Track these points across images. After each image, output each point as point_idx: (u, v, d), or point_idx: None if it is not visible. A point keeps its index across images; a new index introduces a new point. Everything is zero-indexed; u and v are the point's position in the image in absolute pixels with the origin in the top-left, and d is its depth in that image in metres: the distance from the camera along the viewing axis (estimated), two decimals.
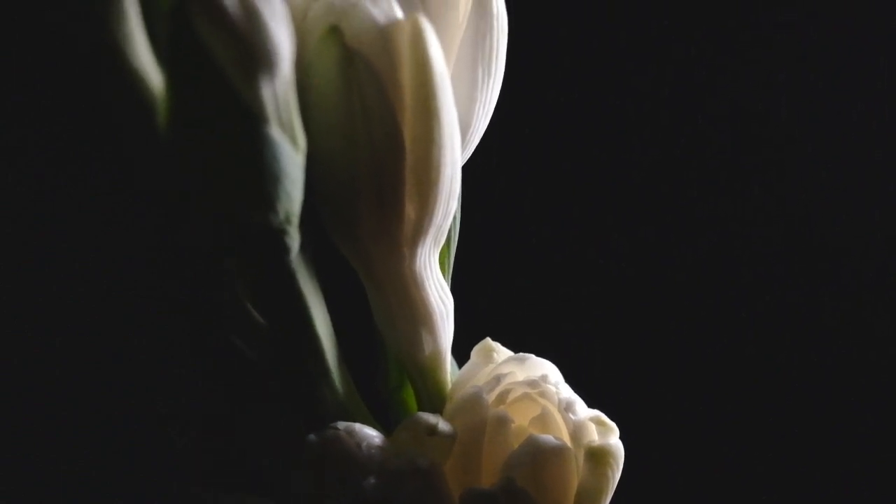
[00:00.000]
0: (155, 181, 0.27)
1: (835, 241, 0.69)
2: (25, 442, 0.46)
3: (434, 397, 0.36)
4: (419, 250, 0.33)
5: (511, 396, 0.35)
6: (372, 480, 0.31)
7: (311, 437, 0.32)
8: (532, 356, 0.37)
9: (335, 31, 0.29)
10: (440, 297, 0.35)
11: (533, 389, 0.35)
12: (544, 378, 0.36)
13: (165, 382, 0.36)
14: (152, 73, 0.26)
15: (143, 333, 0.35)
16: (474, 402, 0.34)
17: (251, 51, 0.25)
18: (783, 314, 0.70)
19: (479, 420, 0.34)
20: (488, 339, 0.38)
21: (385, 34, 0.30)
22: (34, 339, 0.42)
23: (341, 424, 0.32)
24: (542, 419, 0.35)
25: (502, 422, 0.34)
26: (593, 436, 0.34)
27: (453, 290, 0.37)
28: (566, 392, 0.36)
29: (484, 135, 0.36)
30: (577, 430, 0.34)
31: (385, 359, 0.38)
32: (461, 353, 0.38)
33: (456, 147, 0.32)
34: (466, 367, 0.37)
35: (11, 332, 0.42)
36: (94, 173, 0.27)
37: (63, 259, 0.37)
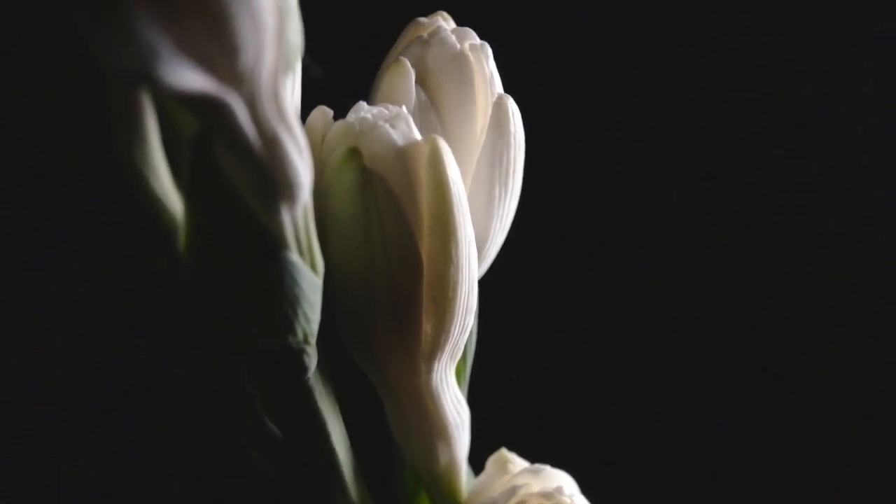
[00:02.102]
0: (176, 301, 0.27)
1: (835, 241, 0.68)
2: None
3: None
4: (436, 365, 0.33)
5: None
6: None
7: None
8: (547, 467, 0.36)
9: (354, 154, 0.29)
10: (456, 409, 0.35)
11: (549, 501, 0.35)
12: (559, 490, 0.35)
13: (184, 496, 0.36)
14: (172, 198, 0.26)
15: (159, 449, 0.34)
16: None
17: (272, 180, 0.25)
18: (782, 317, 0.69)
19: None
20: (503, 450, 0.37)
21: (403, 156, 0.30)
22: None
23: None
24: None
25: None
26: None
27: (470, 400, 0.36)
28: (581, 503, 0.35)
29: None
30: None
31: (401, 467, 0.38)
32: (477, 461, 0.38)
33: (473, 265, 0.31)
34: (482, 477, 0.37)
35: None
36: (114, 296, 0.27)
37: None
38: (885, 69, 0.65)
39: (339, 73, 0.39)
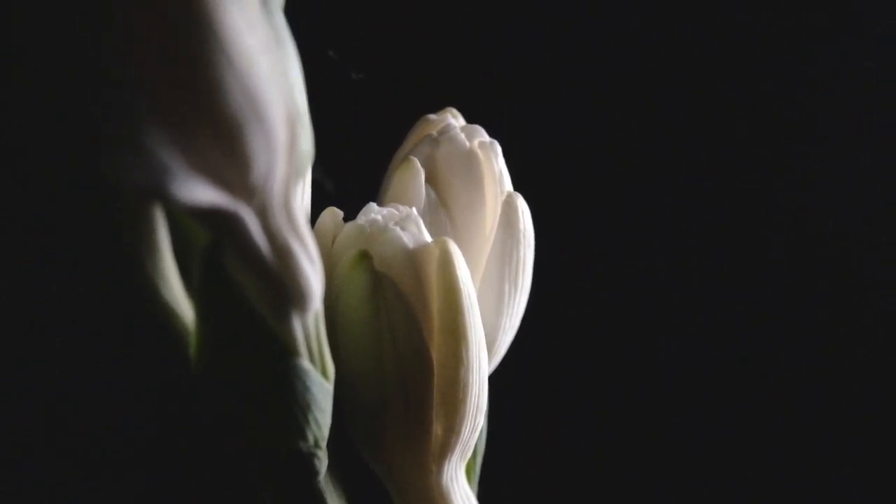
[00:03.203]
0: (186, 407, 0.27)
1: (835, 242, 0.67)
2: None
3: None
4: (446, 464, 0.32)
5: None
6: None
7: None
8: None
9: (364, 257, 0.29)
10: None
11: None
12: None
13: None
14: (183, 305, 0.26)
15: None
16: None
17: (283, 289, 0.25)
18: (782, 318, 0.68)
19: None
20: None
21: (414, 259, 0.30)
22: None
23: None
24: None
25: None
26: None
27: (480, 496, 0.36)
28: None
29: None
30: None
31: None
32: None
33: (483, 366, 0.31)
34: None
35: None
36: (120, 396, 0.27)
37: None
38: (886, 70, 0.65)
39: (349, 170, 0.39)
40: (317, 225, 0.32)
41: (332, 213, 0.32)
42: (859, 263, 0.67)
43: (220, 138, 0.20)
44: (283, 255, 0.24)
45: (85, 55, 0.19)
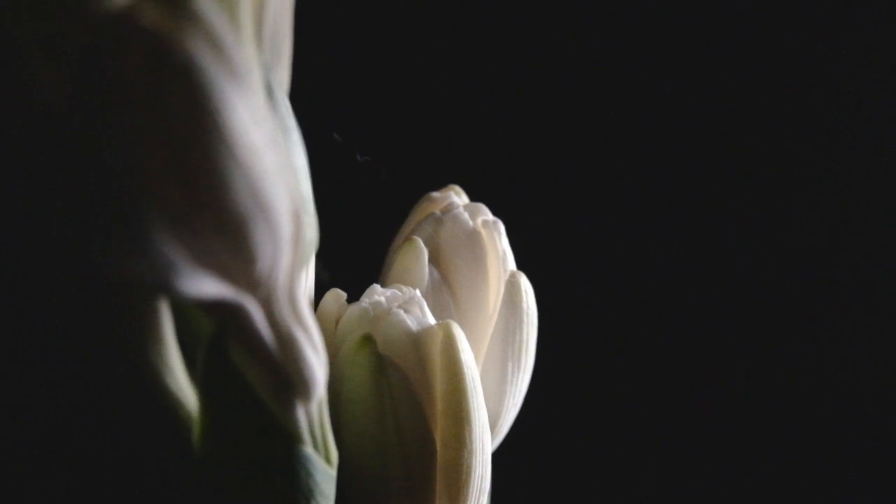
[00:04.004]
0: (188, 495, 0.26)
1: (835, 243, 0.67)
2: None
3: None
4: None
5: None
6: None
7: None
8: None
9: (368, 340, 0.29)
10: None
11: None
12: None
13: None
14: (187, 392, 0.26)
15: None
16: None
17: (287, 378, 0.24)
18: (782, 320, 0.68)
19: None
20: None
21: (417, 342, 0.30)
22: None
23: None
24: None
25: None
26: None
27: None
28: None
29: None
30: None
31: None
32: None
33: (486, 447, 0.31)
34: None
35: None
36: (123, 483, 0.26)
37: None
38: (886, 70, 0.65)
39: (351, 250, 0.39)
40: (320, 306, 0.32)
41: (336, 295, 0.32)
42: (860, 263, 0.66)
43: (226, 234, 0.20)
44: (287, 344, 0.24)
45: (92, 154, 0.19)
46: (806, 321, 0.68)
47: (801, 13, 0.64)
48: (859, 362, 0.67)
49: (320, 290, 0.32)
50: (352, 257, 0.36)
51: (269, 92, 0.24)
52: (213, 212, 0.20)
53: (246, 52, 0.21)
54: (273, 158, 0.21)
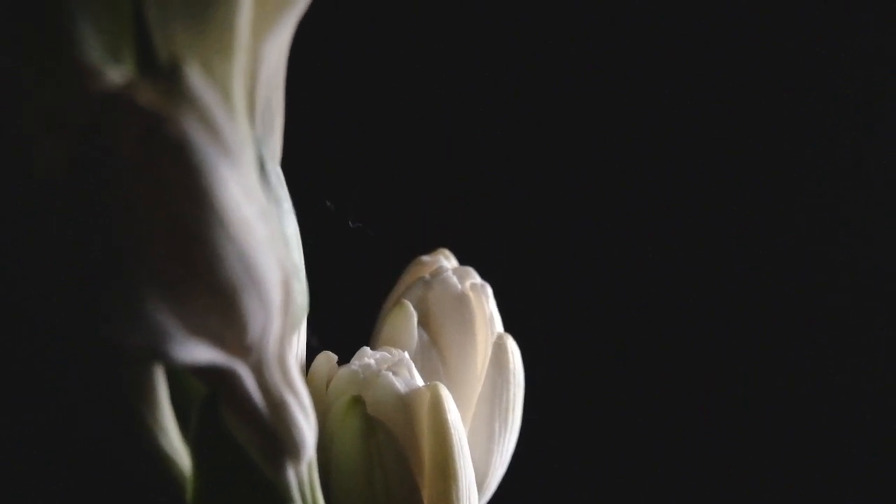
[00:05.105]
0: None
1: (834, 241, 0.67)
2: None
3: None
4: None
5: None
6: None
7: None
8: None
9: (357, 402, 0.29)
10: None
11: None
12: None
13: None
14: (181, 453, 0.26)
15: None
16: None
17: (277, 441, 0.25)
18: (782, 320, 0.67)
19: None
20: None
21: (405, 403, 0.30)
22: None
23: None
24: None
25: None
26: None
27: None
28: None
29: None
30: None
31: None
32: None
33: None
34: None
35: None
36: None
37: None
38: (887, 71, 0.65)
39: (343, 312, 0.39)
40: (312, 368, 0.32)
41: (327, 357, 0.32)
42: (860, 263, 0.67)
43: (217, 303, 0.21)
44: (278, 408, 0.24)
45: (89, 225, 0.20)
46: (806, 322, 0.68)
47: (801, 13, 0.64)
48: (859, 363, 0.67)
49: (312, 352, 0.32)
50: (343, 320, 0.37)
51: (261, 164, 0.24)
52: (205, 283, 0.20)
53: (238, 128, 0.22)
54: (264, 230, 0.22)
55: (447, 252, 0.38)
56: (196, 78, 0.21)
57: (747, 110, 0.66)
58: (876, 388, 0.67)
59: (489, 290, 0.35)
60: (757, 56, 0.66)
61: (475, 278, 0.36)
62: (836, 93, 0.66)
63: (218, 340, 0.22)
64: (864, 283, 0.67)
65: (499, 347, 0.34)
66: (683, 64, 0.65)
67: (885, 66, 0.65)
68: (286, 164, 0.28)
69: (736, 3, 0.66)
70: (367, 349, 0.32)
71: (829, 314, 0.68)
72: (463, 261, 0.38)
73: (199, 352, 0.22)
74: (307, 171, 0.33)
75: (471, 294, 0.35)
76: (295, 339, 0.27)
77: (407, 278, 0.36)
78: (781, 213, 0.67)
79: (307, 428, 0.25)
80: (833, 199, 0.67)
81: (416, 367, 0.32)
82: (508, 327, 0.36)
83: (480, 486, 0.34)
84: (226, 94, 0.22)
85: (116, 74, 0.20)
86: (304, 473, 0.26)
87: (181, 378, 0.26)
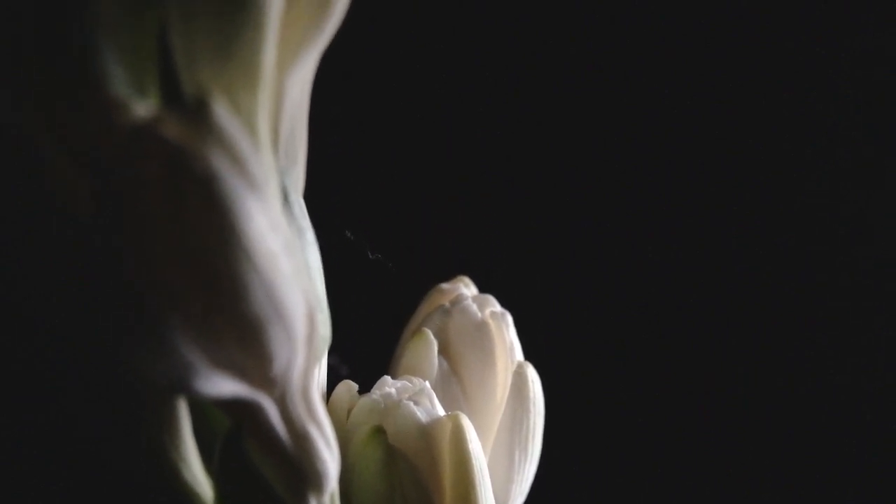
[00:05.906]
0: None
1: (834, 241, 0.66)
2: None
3: None
4: None
5: None
6: None
7: None
8: None
9: (378, 432, 0.29)
10: None
11: None
12: None
13: None
14: (204, 485, 0.26)
15: None
16: None
17: (300, 473, 0.25)
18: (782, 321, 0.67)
19: None
20: None
21: (427, 433, 0.30)
22: None
23: None
24: None
25: None
26: None
27: None
28: None
29: None
30: None
31: None
32: None
33: None
34: None
35: None
36: None
37: None
38: (887, 71, 0.65)
39: (364, 339, 0.39)
40: (332, 398, 0.32)
41: (348, 387, 0.32)
42: (859, 263, 0.66)
43: (243, 336, 0.21)
44: (301, 440, 0.24)
45: (115, 259, 0.20)
46: (806, 322, 0.67)
47: (801, 13, 0.64)
48: (859, 364, 0.67)
49: (333, 381, 0.32)
50: (363, 348, 0.37)
51: (285, 196, 0.24)
52: (231, 316, 0.20)
53: (263, 161, 0.22)
54: (289, 263, 0.21)
55: (467, 280, 0.37)
56: (222, 111, 0.21)
57: (747, 110, 0.66)
58: (876, 388, 0.67)
59: (509, 319, 0.35)
60: (757, 56, 0.65)
61: (495, 306, 0.35)
62: (836, 93, 0.65)
63: (243, 373, 0.22)
64: (864, 283, 0.66)
65: (519, 376, 0.34)
66: (683, 64, 0.65)
67: (885, 66, 0.65)
68: (307, 194, 0.28)
69: (736, 3, 0.65)
70: (387, 378, 0.32)
71: (829, 314, 0.68)
72: (483, 288, 0.37)
73: (223, 385, 0.22)
74: (326, 200, 0.33)
75: (491, 322, 0.35)
76: (317, 370, 0.27)
77: (426, 306, 0.36)
78: (781, 213, 0.67)
79: (330, 459, 0.25)
80: (833, 199, 0.66)
81: (436, 395, 0.32)
82: (529, 355, 0.35)
83: None
84: (251, 128, 0.22)
85: (142, 108, 0.20)
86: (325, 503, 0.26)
87: (205, 412, 0.26)
